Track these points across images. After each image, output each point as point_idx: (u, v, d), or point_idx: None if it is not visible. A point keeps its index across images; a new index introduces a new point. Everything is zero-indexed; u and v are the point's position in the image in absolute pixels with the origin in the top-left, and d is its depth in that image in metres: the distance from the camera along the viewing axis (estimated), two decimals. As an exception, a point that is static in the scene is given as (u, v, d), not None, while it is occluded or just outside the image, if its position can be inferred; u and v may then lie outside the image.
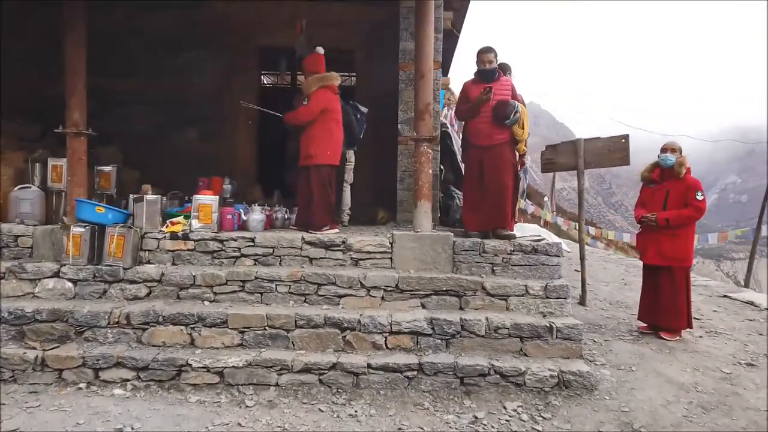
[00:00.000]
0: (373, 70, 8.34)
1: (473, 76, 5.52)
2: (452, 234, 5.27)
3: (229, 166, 8.34)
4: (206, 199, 5.37)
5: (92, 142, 7.97)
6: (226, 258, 5.24)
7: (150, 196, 5.32)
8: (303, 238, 5.26)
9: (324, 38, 6.75)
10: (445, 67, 9.07)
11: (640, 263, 5.92)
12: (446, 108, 10.53)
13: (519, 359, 4.46)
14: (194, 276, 4.95)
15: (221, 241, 5.25)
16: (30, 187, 5.74)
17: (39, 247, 5.24)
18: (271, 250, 5.24)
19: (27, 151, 6.66)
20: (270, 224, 6.45)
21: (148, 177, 8.02)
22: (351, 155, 7.05)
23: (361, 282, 4.91)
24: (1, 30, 7.59)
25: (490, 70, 5.39)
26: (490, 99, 5.24)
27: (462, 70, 7.69)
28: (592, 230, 16.34)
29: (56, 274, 4.98)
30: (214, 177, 7.07)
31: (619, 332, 5.50)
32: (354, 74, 9.61)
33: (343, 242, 5.23)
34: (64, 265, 5.00)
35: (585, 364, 4.46)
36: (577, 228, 6.99)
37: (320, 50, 6.03)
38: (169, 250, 5.24)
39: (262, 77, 12.14)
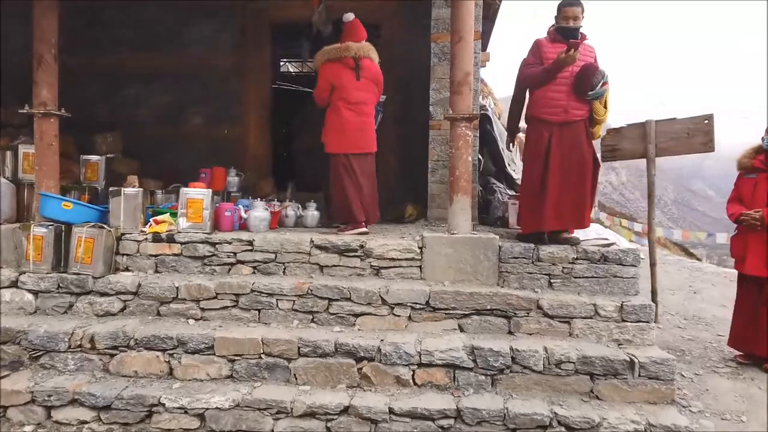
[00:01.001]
0: (401, 46, 7.28)
1: (548, 35, 4.33)
2: (497, 237, 4.21)
3: (240, 156, 7.43)
4: (196, 194, 4.43)
5: (90, 129, 7.21)
6: (218, 265, 4.30)
7: (129, 190, 4.41)
8: (312, 241, 4.27)
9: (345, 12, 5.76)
10: (483, 41, 7.95)
11: (703, 266, 4.78)
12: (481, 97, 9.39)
13: (590, 405, 3.39)
14: (177, 288, 4.02)
15: (213, 245, 4.31)
16: (-4, 179, 4.90)
17: (1, 251, 4.39)
18: (273, 256, 4.27)
19: (11, 138, 5.86)
20: (279, 223, 5.50)
21: (150, 167, 7.18)
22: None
23: (382, 297, 3.90)
24: None
25: (575, 29, 4.19)
26: (576, 59, 4.09)
27: (500, 54, 6.56)
28: (638, 226, 14.98)
29: (15, 284, 4.11)
30: (217, 167, 6.14)
31: (710, 362, 4.36)
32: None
33: (361, 246, 4.23)
34: (24, 272, 4.12)
35: (679, 413, 3.36)
36: (637, 227, 5.83)
37: (349, 16, 4.99)
38: (151, 255, 4.32)
39: (281, 63, 11.25)
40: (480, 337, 3.76)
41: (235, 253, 4.29)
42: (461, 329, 3.86)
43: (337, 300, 3.94)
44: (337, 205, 4.88)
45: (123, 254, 4.34)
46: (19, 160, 5.02)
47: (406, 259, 4.19)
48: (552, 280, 4.07)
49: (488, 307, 3.86)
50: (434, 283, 4.08)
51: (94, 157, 5.74)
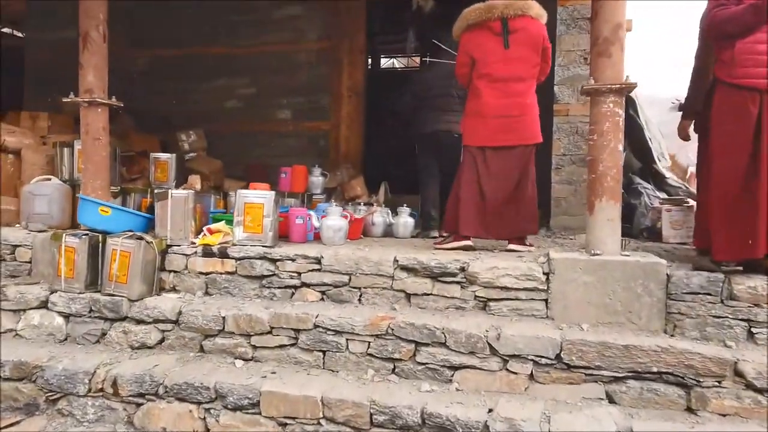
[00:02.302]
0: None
1: None
2: (663, 261, 2.89)
3: (332, 152, 6.58)
4: (255, 197, 3.54)
5: (173, 126, 6.71)
6: (279, 287, 3.37)
7: (178, 192, 3.62)
8: (396, 261, 3.21)
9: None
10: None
11: None
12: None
13: None
14: (223, 318, 3.13)
15: (273, 261, 3.39)
16: (50, 180, 4.36)
17: (38, 263, 3.79)
18: (345, 278, 3.27)
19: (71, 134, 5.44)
20: (364, 232, 4.52)
21: (235, 167, 6.55)
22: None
23: (490, 344, 2.75)
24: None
25: None
26: None
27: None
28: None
29: (45, 304, 3.46)
30: (297, 166, 5.28)
31: None
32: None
33: (462, 269, 3.10)
34: (55, 291, 3.46)
35: None
36: None
37: None
38: (201, 273, 3.50)
39: (380, 58, 10.36)
40: (642, 416, 2.48)
41: (299, 273, 3.34)
42: (611, 400, 2.61)
43: (426, 345, 2.84)
44: (447, 208, 3.79)
45: (170, 271, 3.55)
46: (75, 159, 4.46)
47: (525, 290, 3.00)
48: (754, 330, 2.68)
49: (654, 369, 2.56)
50: (567, 325, 2.86)
51: (163, 156, 5.07)
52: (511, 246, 3.60)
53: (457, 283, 3.11)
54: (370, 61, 8.81)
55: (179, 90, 6.96)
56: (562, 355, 2.66)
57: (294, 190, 5.18)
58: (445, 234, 3.85)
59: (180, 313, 3.21)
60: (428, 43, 5.95)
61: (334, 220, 3.77)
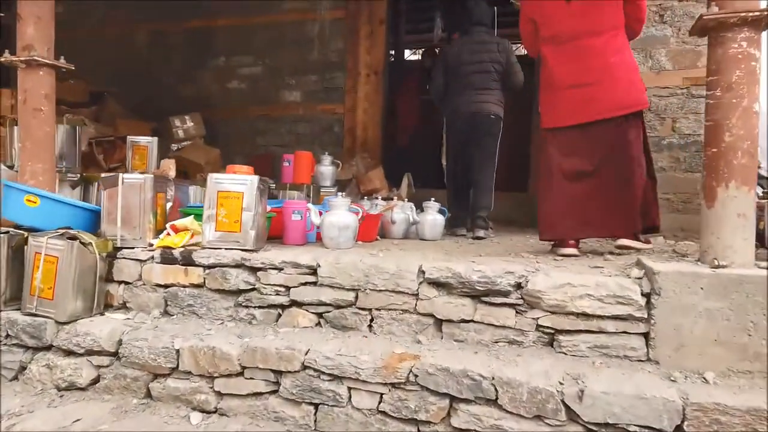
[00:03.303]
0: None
1: None
2: (836, 278, 1.88)
3: (348, 140, 5.67)
4: (231, 182, 2.62)
5: (168, 111, 5.88)
6: (259, 307, 2.45)
7: (132, 177, 2.72)
8: (422, 271, 2.26)
9: None
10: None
11: None
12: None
13: None
14: (177, 351, 2.22)
15: (254, 271, 2.48)
16: (-4, 166, 3.53)
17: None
18: (351, 296, 2.33)
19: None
20: (382, 233, 3.60)
21: (239, 155, 5.70)
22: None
23: (567, 404, 1.78)
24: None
25: None
26: None
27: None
28: None
29: (-45, 325, 2.60)
30: (301, 152, 4.37)
31: None
32: None
33: (518, 286, 2.13)
34: (-31, 307, 2.60)
35: None
36: None
37: None
38: (159, 285, 2.60)
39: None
40: None
41: (287, 288, 2.42)
42: (771, 507, 1.62)
43: (467, 401, 1.89)
44: (538, 212, 2.86)
45: (119, 282, 2.66)
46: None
47: (614, 318, 2.02)
48: None
49: None
50: (681, 375, 1.87)
51: (143, 139, 4.23)
52: (623, 242, 2.66)
53: (511, 306, 2.14)
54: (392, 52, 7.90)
55: (179, 70, 6.14)
56: (686, 429, 1.68)
57: (298, 181, 4.27)
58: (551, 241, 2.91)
59: (120, 342, 2.31)
60: (459, 17, 5.01)
61: (338, 215, 2.83)
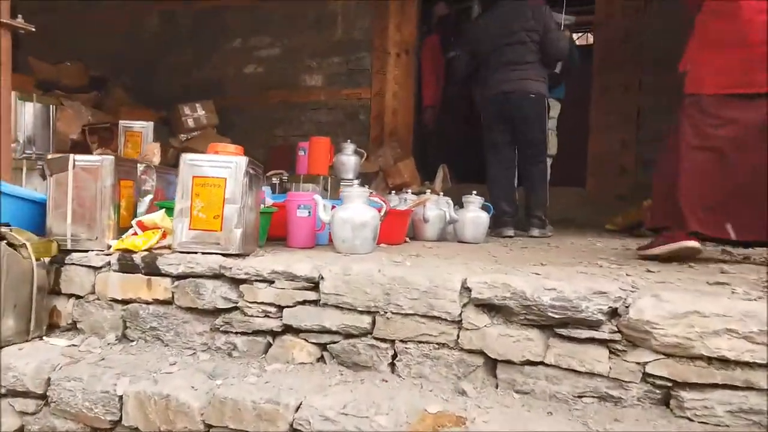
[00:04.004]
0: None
1: None
2: None
3: (371, 129, 5.02)
4: (211, 165, 1.97)
5: (179, 98, 5.33)
6: (242, 333, 1.80)
7: (87, 158, 2.10)
8: (466, 288, 1.57)
9: None
10: None
11: None
12: None
13: None
14: (120, 398, 1.58)
15: (236, 284, 1.83)
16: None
17: None
18: (366, 321, 1.65)
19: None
20: (413, 234, 2.93)
21: (254, 147, 5.13)
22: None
23: None
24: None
25: None
26: None
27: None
28: None
29: None
30: (317, 138, 3.72)
31: None
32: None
33: (612, 313, 1.41)
34: None
35: None
36: None
37: None
38: (116, 301, 1.98)
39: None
40: None
41: (279, 308, 1.76)
42: None
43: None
44: (654, 192, 2.18)
45: (69, 295, 2.05)
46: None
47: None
48: None
49: None
50: None
51: (136, 124, 3.66)
52: (691, 243, 1.94)
53: (603, 343, 1.43)
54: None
55: (191, 54, 5.59)
56: None
57: (313, 171, 3.62)
58: (653, 231, 2.23)
59: (49, 382, 1.68)
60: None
61: (353, 209, 2.15)
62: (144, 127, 3.64)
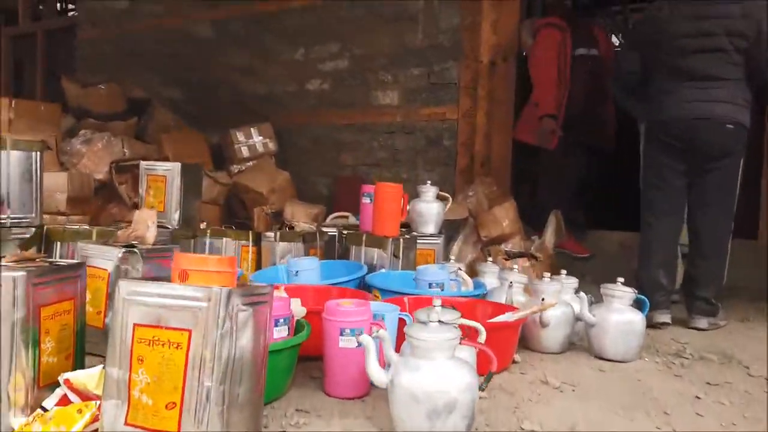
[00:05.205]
0: None
1: None
2: None
3: (457, 159, 4.01)
4: (168, 306, 1.06)
5: (233, 119, 4.58)
6: None
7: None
8: None
9: None
10: None
11: None
12: None
13: None
14: None
15: None
16: None
17: None
18: None
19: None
20: (525, 342, 1.89)
21: (312, 181, 4.37)
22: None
23: None
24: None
25: None
26: None
27: None
28: None
29: None
30: (383, 184, 2.73)
31: None
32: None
33: None
34: None
35: None
36: None
37: None
38: None
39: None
40: None
41: None
42: None
43: None
44: None
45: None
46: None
47: None
48: None
49: None
50: None
51: (159, 167, 2.90)
52: None
53: None
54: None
55: (247, 68, 4.83)
56: None
57: (379, 230, 2.64)
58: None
59: None
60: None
61: (428, 372, 1.15)
62: (168, 170, 2.87)
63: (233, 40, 4.84)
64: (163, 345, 1.06)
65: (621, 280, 1.99)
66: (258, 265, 2.83)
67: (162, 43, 5.05)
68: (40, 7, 6.85)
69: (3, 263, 1.29)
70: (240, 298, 1.10)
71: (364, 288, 2.33)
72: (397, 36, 4.18)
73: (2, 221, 2.24)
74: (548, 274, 2.07)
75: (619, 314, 1.94)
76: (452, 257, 2.64)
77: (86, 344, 1.49)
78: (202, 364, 1.05)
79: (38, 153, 2.36)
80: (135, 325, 1.07)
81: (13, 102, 3.41)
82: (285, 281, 2.30)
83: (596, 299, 2.08)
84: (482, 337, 1.47)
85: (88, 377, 1.23)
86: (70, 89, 3.95)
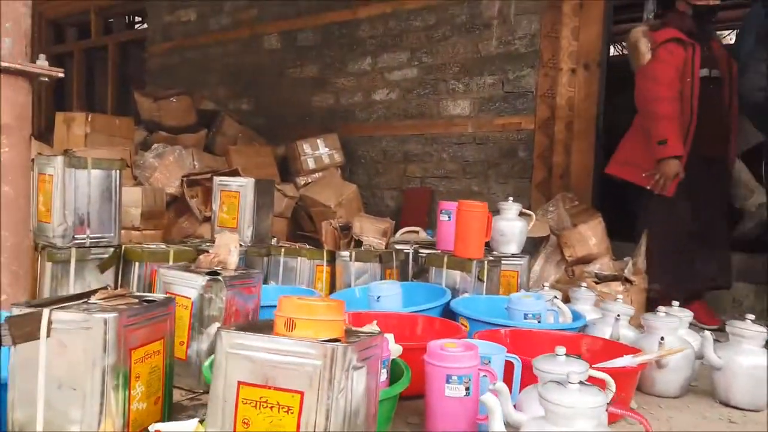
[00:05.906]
0: None
1: None
2: None
3: (534, 172, 3.80)
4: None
5: (299, 131, 4.54)
6: None
7: (67, 317, 1.17)
8: None
9: None
10: None
11: None
12: None
13: None
14: None
15: None
16: None
17: None
18: None
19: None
20: (643, 387, 1.67)
21: (379, 192, 4.26)
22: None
23: None
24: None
25: None
26: None
27: None
28: None
29: None
30: (467, 203, 2.55)
31: None
32: None
33: None
34: None
35: None
36: None
37: None
38: None
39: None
40: None
41: None
42: None
43: None
44: None
45: None
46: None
47: None
48: None
49: None
50: None
51: (234, 182, 2.83)
52: None
53: None
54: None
55: (314, 77, 4.77)
56: None
57: (462, 253, 2.47)
58: None
59: None
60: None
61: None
62: (242, 185, 2.79)
63: (300, 50, 4.80)
64: (271, 408, 0.93)
65: (751, 317, 1.76)
66: (332, 287, 2.71)
67: (229, 55, 5.07)
68: (110, 20, 7.04)
69: (92, 301, 1.21)
70: (356, 354, 0.96)
71: (446, 314, 2.17)
72: (470, 43, 4.01)
73: (82, 241, 2.21)
74: (663, 309, 1.85)
75: (750, 358, 1.70)
76: (545, 285, 2.42)
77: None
78: (315, 430, 0.91)
79: (118, 171, 2.32)
80: (239, 383, 0.95)
81: (90, 116, 3.45)
82: (366, 307, 2.17)
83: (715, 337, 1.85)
84: (611, 389, 1.28)
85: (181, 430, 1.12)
86: (143, 103, 3.97)
